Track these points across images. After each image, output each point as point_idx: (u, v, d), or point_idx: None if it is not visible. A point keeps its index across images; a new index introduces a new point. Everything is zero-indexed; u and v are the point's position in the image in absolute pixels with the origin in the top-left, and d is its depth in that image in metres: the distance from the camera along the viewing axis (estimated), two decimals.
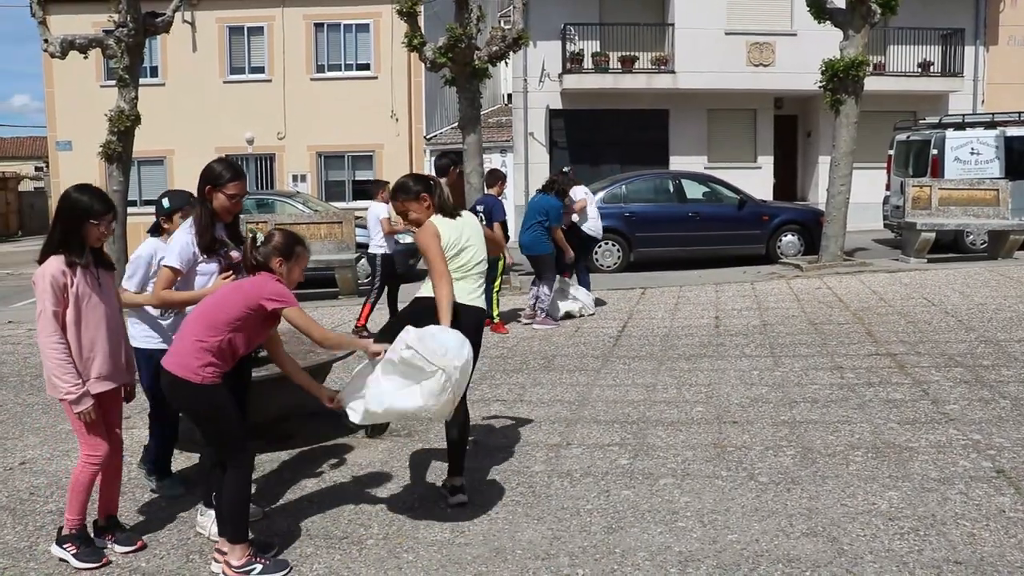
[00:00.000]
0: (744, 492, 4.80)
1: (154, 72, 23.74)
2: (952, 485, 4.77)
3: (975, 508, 4.45)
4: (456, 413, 4.61)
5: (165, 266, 4.42)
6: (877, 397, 6.56)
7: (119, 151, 13.68)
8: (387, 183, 11.13)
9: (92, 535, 4.29)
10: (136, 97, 13.83)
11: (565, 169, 11.96)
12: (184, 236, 4.37)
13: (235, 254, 4.49)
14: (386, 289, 10.12)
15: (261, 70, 24.57)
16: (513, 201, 22.86)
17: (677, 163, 22.79)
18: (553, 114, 23.47)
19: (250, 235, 4.30)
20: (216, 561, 4.09)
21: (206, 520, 4.45)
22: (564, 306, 10.46)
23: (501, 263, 9.93)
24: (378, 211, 10.24)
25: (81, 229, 4.06)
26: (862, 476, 4.97)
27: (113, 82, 14.58)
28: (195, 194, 4.54)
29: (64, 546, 4.18)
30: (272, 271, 4.13)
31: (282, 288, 4.09)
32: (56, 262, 4.03)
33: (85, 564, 4.12)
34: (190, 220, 4.41)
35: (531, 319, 10.26)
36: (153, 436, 5.23)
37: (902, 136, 17.85)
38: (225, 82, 24.48)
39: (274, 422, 6.03)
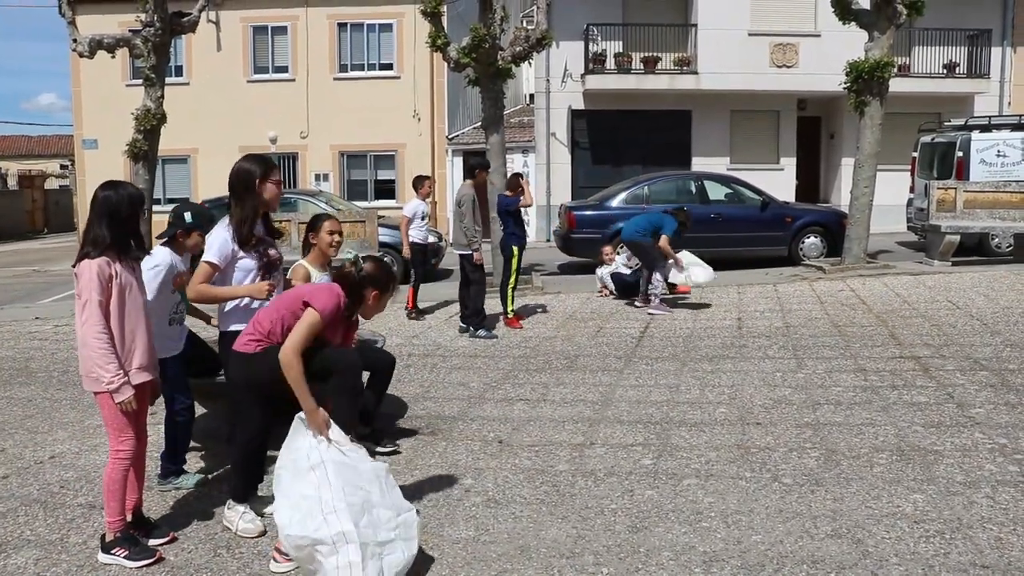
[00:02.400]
0: (768, 493, 4.80)
1: (179, 71, 23.93)
2: (978, 489, 4.75)
3: (1002, 512, 4.43)
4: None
5: (204, 261, 4.45)
6: (901, 400, 6.53)
7: (145, 150, 13.80)
8: (428, 177, 11.81)
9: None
10: (162, 96, 13.95)
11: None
12: (223, 232, 4.41)
13: (273, 251, 4.54)
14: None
15: (285, 69, 24.70)
16: (535, 200, 22.91)
17: (699, 164, 22.71)
18: (575, 114, 23.45)
19: (350, 262, 4.33)
20: (276, 560, 4.12)
21: (234, 515, 4.50)
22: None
23: (515, 260, 10.04)
24: (410, 207, 11.12)
25: (133, 223, 4.16)
26: (887, 479, 4.95)
27: (139, 81, 14.71)
28: (230, 196, 4.57)
29: (113, 552, 4.19)
30: (360, 292, 4.25)
31: (331, 300, 4.15)
32: (102, 255, 4.10)
33: (140, 563, 4.14)
34: (226, 218, 4.45)
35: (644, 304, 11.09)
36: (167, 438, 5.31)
37: (927, 138, 17.72)
38: (249, 81, 24.64)
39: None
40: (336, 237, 5.71)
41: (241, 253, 4.45)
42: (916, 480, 4.92)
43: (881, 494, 4.73)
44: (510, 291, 10.19)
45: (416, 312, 10.99)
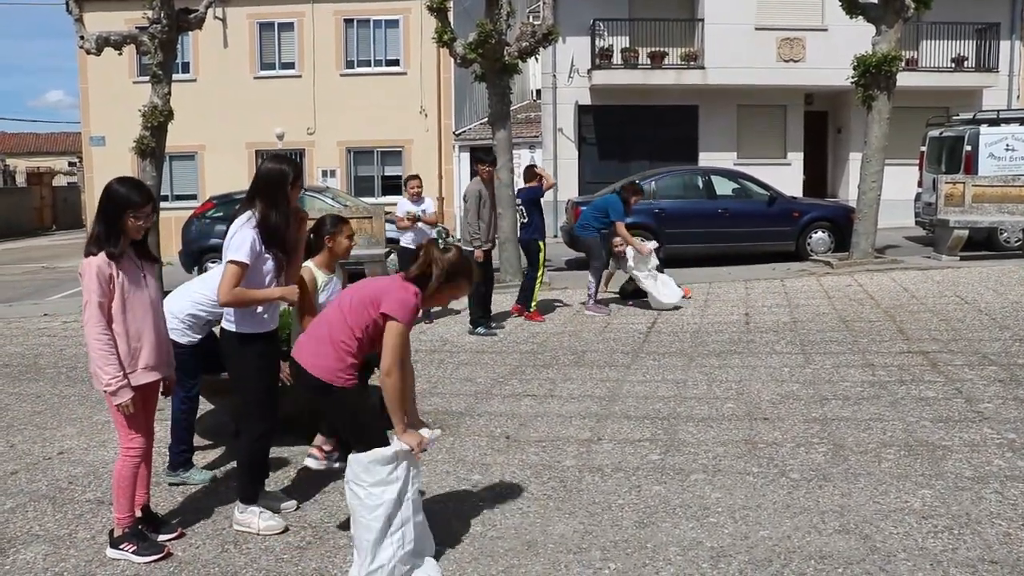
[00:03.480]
0: (776, 488, 4.79)
1: (186, 68, 23.94)
2: (987, 484, 4.74)
3: (1011, 508, 4.41)
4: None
5: (234, 262, 4.28)
6: (909, 395, 6.51)
7: (152, 146, 13.79)
8: (415, 177, 11.25)
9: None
10: (169, 93, 13.94)
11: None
12: (249, 232, 4.32)
13: (279, 253, 4.53)
14: None
15: (291, 66, 24.72)
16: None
17: (706, 159, 22.65)
18: (582, 110, 23.40)
19: (441, 235, 4.28)
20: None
21: (250, 517, 4.49)
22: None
23: (541, 254, 10.12)
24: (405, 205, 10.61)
25: (120, 220, 4.12)
26: (895, 474, 4.94)
27: (146, 78, 14.69)
28: (258, 195, 4.45)
29: (121, 547, 4.20)
30: (427, 281, 4.08)
31: (406, 299, 4.00)
32: (103, 253, 4.10)
33: (148, 558, 4.15)
34: (248, 214, 4.40)
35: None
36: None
37: (935, 132, 17.65)
38: (255, 78, 24.66)
39: (305, 415, 6.06)
40: (356, 240, 5.69)
41: (266, 253, 4.40)
42: (924, 475, 4.91)
43: (889, 489, 4.72)
44: (537, 285, 10.28)
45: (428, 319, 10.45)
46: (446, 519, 4.55)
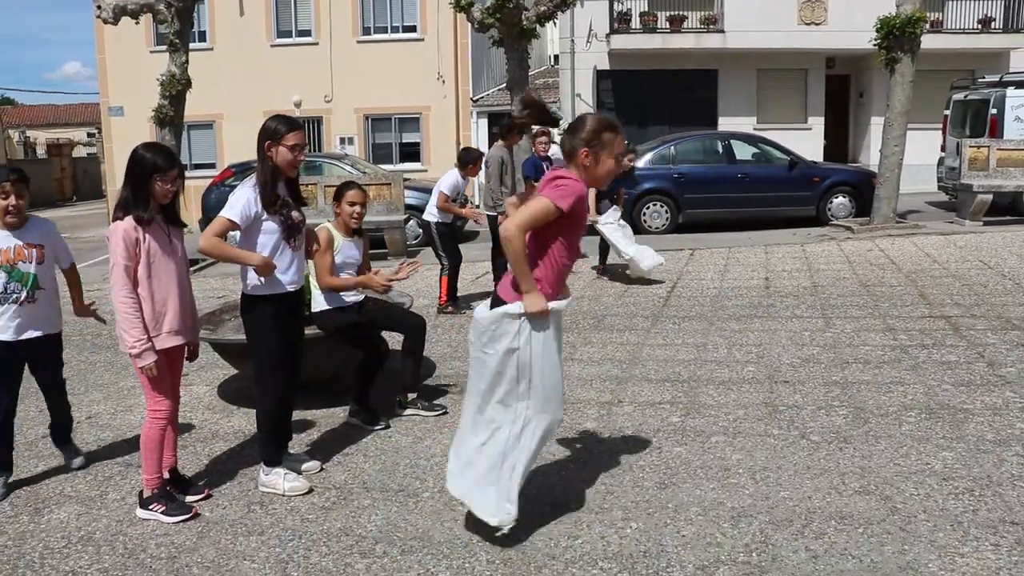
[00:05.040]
0: (796, 451, 4.81)
1: (202, 37, 23.92)
2: (1008, 447, 4.73)
3: None
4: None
5: (224, 216, 4.29)
6: (931, 359, 6.50)
7: (171, 115, 13.85)
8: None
9: None
10: (187, 61, 13.97)
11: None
12: (247, 192, 4.35)
13: (296, 214, 4.53)
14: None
15: (308, 33, 24.63)
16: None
17: (726, 124, 22.49)
18: (600, 75, 23.24)
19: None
20: None
21: (275, 479, 4.55)
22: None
23: None
24: (448, 180, 9.18)
25: (147, 185, 4.15)
26: (915, 436, 4.95)
27: (163, 47, 14.72)
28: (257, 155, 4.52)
29: (150, 507, 4.28)
30: (575, 164, 3.84)
31: (567, 183, 3.74)
32: (129, 218, 4.14)
33: (177, 518, 4.23)
34: (253, 177, 4.42)
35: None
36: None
37: (959, 95, 17.43)
38: (272, 45, 24.60)
39: (329, 379, 6.14)
40: (358, 208, 5.58)
41: (265, 215, 4.38)
42: (945, 438, 4.91)
43: (910, 452, 4.73)
44: None
45: (454, 304, 9.21)
46: None
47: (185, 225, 4.57)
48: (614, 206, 10.36)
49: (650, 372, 6.48)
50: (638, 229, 14.86)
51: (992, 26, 22.67)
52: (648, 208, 15.19)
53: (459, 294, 9.28)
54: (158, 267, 4.21)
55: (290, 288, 4.52)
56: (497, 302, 3.87)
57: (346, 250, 5.57)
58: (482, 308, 3.94)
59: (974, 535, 3.77)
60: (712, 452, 4.84)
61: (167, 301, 4.25)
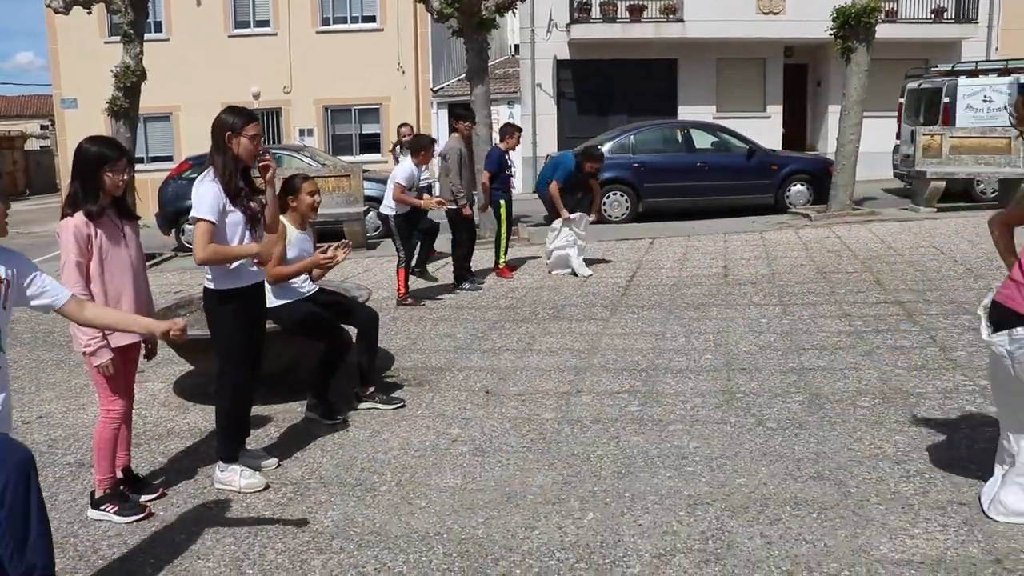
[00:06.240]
0: (752, 437, 4.86)
1: (158, 27, 23.55)
2: (958, 430, 4.82)
3: (980, 452, 4.48)
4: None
5: (201, 219, 4.21)
6: (885, 344, 6.58)
7: (125, 107, 13.61)
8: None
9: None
10: (141, 52, 13.74)
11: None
12: (211, 186, 4.28)
13: (255, 204, 4.47)
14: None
15: (266, 24, 24.35)
16: (521, 153, 22.77)
17: (686, 113, 22.59)
18: (561, 65, 23.24)
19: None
20: None
21: (231, 475, 4.51)
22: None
23: (503, 210, 10.02)
24: (403, 170, 8.89)
25: (96, 178, 4.07)
26: (869, 421, 5.01)
27: (117, 38, 14.47)
28: (211, 147, 4.44)
29: (103, 508, 4.22)
30: None
31: None
32: (79, 213, 4.06)
33: (129, 518, 4.17)
34: (211, 170, 4.35)
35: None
36: None
37: (913, 84, 17.64)
38: (230, 36, 24.29)
39: (284, 373, 6.08)
40: (317, 198, 5.60)
41: (230, 207, 4.34)
42: (898, 422, 4.98)
43: (864, 436, 4.79)
44: (503, 241, 10.21)
45: (410, 300, 8.94)
46: (425, 472, 4.59)
47: (138, 217, 4.49)
48: (585, 216, 10.25)
49: (609, 361, 6.50)
50: (598, 219, 14.86)
51: (945, 16, 22.98)
52: (608, 197, 15.19)
53: (411, 288, 9.14)
54: (111, 262, 4.14)
55: (253, 281, 4.48)
56: (1007, 315, 3.75)
57: (300, 243, 5.53)
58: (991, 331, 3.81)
59: (924, 517, 3.83)
60: (669, 440, 4.87)
61: (121, 297, 4.18)
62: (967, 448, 4.55)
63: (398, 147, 10.03)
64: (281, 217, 5.54)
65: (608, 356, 6.65)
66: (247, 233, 4.39)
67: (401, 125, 10.76)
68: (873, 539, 3.66)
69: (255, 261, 4.39)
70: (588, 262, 10.40)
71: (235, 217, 4.33)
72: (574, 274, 10.08)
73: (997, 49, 23.26)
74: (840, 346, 6.59)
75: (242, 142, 4.31)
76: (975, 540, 3.61)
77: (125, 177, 4.16)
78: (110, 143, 4.19)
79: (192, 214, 4.27)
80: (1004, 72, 16.36)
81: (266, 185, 4.54)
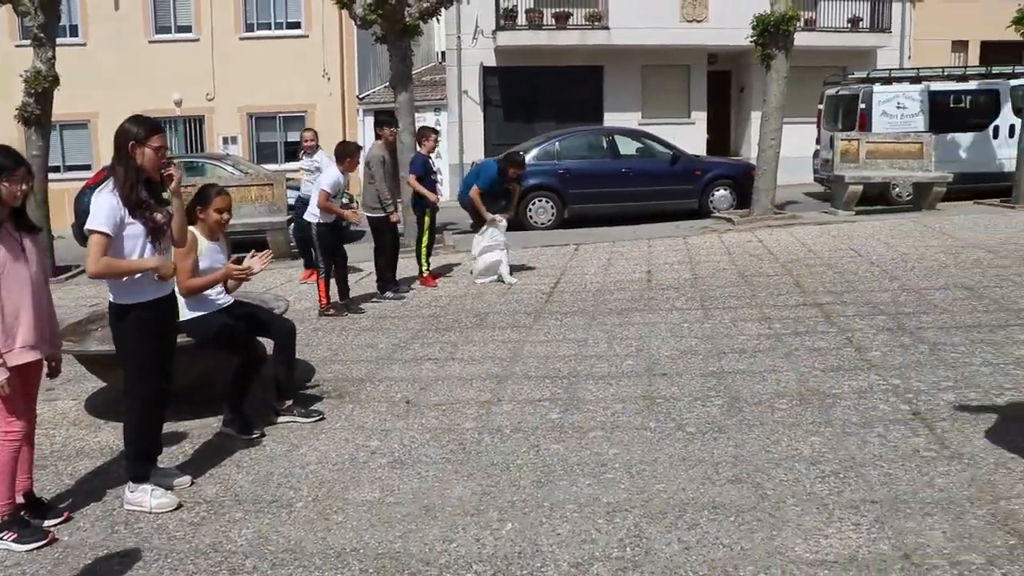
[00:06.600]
0: (672, 442, 4.87)
1: (74, 31, 22.89)
2: (872, 428, 4.90)
3: (892, 450, 4.58)
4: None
5: (95, 231, 4.08)
6: (803, 346, 6.69)
7: (37, 114, 13.18)
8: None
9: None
10: (53, 57, 13.31)
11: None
12: (109, 198, 4.14)
13: (159, 216, 4.33)
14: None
15: (188, 29, 23.84)
16: (448, 159, 22.73)
17: (611, 119, 22.76)
18: (487, 71, 23.24)
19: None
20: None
21: (141, 496, 4.36)
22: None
23: (426, 218, 9.96)
24: (328, 177, 8.68)
25: None
26: (786, 423, 5.07)
27: (28, 41, 14.02)
28: (113, 157, 4.30)
29: (1, 536, 4.01)
30: None
31: None
32: None
33: (30, 545, 3.98)
34: (110, 181, 4.21)
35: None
36: None
37: (832, 91, 18.08)
38: (151, 42, 23.72)
39: (200, 387, 5.93)
40: (225, 215, 5.38)
41: (129, 219, 4.20)
42: (814, 423, 5.05)
43: (781, 438, 4.84)
44: (424, 249, 10.11)
45: (332, 311, 8.71)
46: (343, 487, 4.51)
47: (40, 229, 4.31)
48: (503, 221, 10.22)
49: (531, 369, 6.48)
50: (524, 225, 14.92)
51: (860, 25, 23.62)
52: (534, 204, 15.24)
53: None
54: (9, 277, 3.96)
55: (159, 294, 4.35)
56: None
57: (211, 254, 5.37)
58: None
59: (838, 516, 3.88)
60: (589, 448, 4.86)
61: (20, 313, 4.00)
62: (880, 446, 4.64)
63: (302, 154, 9.86)
64: (191, 227, 5.39)
65: (530, 364, 6.63)
66: (149, 246, 4.25)
67: (304, 130, 10.55)
68: (788, 540, 3.70)
69: (156, 275, 4.25)
70: (513, 269, 10.39)
71: (135, 229, 4.19)
72: (500, 281, 10.06)
73: (910, 58, 23.99)
74: (760, 349, 6.67)
75: (146, 152, 4.19)
76: (886, 537, 3.67)
77: (24, 187, 4.00)
78: (7, 152, 4.01)
79: (87, 226, 4.12)
80: (916, 80, 16.90)
81: (172, 196, 4.41)
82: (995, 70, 17.28)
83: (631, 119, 22.43)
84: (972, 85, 17.08)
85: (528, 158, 15.17)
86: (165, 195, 4.41)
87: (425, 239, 10.08)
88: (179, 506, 4.37)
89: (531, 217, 15.21)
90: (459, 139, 23.00)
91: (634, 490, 4.28)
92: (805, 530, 3.78)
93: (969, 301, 7.81)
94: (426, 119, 21.72)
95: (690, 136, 21.96)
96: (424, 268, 10.18)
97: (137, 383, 4.34)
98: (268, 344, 5.63)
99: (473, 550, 3.77)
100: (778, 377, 5.94)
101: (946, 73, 17.32)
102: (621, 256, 11.66)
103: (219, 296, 5.43)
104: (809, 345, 6.70)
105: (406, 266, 10.50)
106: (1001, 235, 11.56)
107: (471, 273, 10.39)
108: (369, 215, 9.64)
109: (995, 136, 16.73)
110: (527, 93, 23.22)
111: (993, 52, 22.55)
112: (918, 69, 17.66)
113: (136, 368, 4.32)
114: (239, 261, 5.35)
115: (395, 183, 10.00)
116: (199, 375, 5.81)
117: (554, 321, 8.03)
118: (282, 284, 10.55)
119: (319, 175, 9.72)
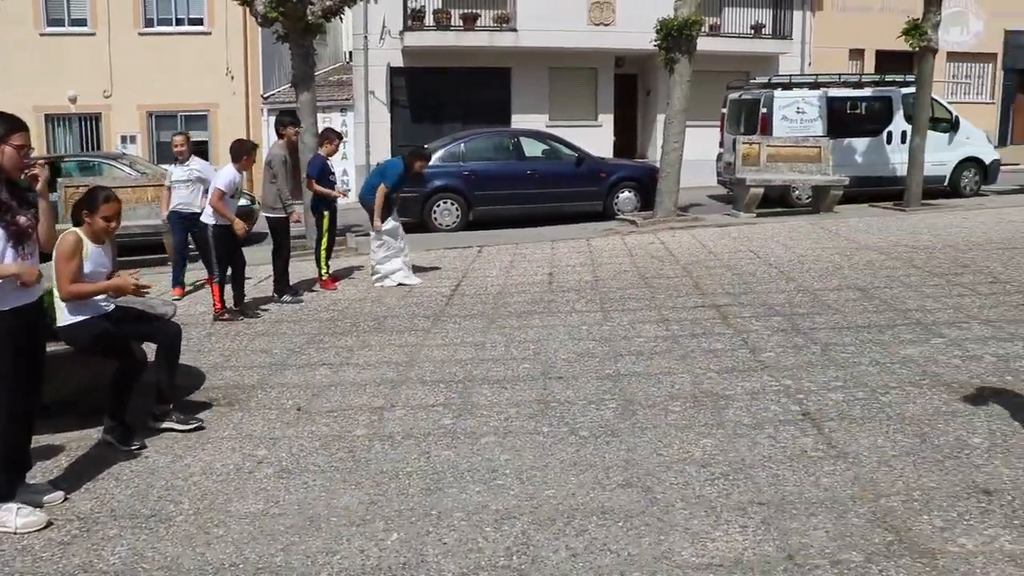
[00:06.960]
0: (564, 447, 4.84)
1: None
2: (762, 430, 4.95)
3: (781, 451, 4.63)
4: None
5: None
6: (699, 348, 6.75)
7: None
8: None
9: None
10: None
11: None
12: None
13: (23, 219, 4.10)
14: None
15: (83, 23, 22.99)
16: (354, 160, 22.45)
17: (519, 121, 22.80)
18: (394, 72, 23.04)
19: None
20: None
21: (7, 515, 4.09)
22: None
23: (325, 220, 9.79)
24: (223, 176, 8.47)
25: None
26: (679, 425, 5.09)
27: None
28: None
29: None
30: None
31: None
32: None
33: None
34: None
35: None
36: None
37: (735, 95, 18.42)
38: (42, 35, 22.78)
39: (79, 396, 5.66)
40: (113, 224, 5.09)
41: None
42: (707, 425, 5.08)
43: (673, 441, 4.85)
44: (323, 252, 9.91)
45: (227, 315, 8.48)
46: (226, 499, 4.34)
47: None
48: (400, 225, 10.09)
49: (426, 374, 6.38)
50: (428, 227, 14.79)
51: (763, 32, 24.20)
52: (438, 206, 15.12)
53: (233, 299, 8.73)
54: None
55: (23, 301, 4.11)
56: None
57: (96, 258, 5.10)
58: None
59: (725, 519, 3.90)
60: (481, 454, 4.79)
61: None
62: (770, 447, 4.68)
63: (175, 162, 9.50)
64: (76, 229, 5.11)
65: (426, 368, 6.53)
66: (10, 250, 4.02)
67: (175, 134, 10.17)
68: (676, 544, 3.69)
69: (19, 282, 4.03)
70: (416, 269, 10.27)
71: None
72: (402, 284, 9.93)
73: (810, 64, 24.67)
74: (656, 351, 6.71)
75: (6, 151, 3.96)
76: (771, 539, 3.70)
77: None
78: None
79: None
80: (815, 86, 17.35)
81: (40, 197, 4.18)
82: (888, 78, 17.88)
83: (539, 121, 22.51)
84: (867, 92, 17.63)
85: (433, 160, 15.06)
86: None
87: (324, 241, 9.90)
88: (48, 524, 4.14)
89: (435, 219, 15.09)
90: (366, 140, 22.73)
91: (523, 496, 4.22)
92: (693, 533, 3.78)
93: (860, 302, 8.01)
94: (332, 119, 21.42)
95: (597, 139, 22.14)
96: (324, 271, 9.98)
97: (2, 396, 4.10)
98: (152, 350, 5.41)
99: (357, 562, 3.67)
100: (673, 379, 5.97)
101: (843, 80, 17.85)
102: (524, 258, 11.65)
103: (103, 300, 5.18)
104: (705, 347, 6.76)
105: (306, 269, 10.28)
106: (893, 237, 11.93)
107: (371, 277, 10.22)
108: (269, 215, 9.41)
109: (888, 141, 17.30)
110: (434, 94, 23.10)
111: (887, 61, 23.34)
112: (817, 75, 18.14)
113: (1, 379, 4.08)
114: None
115: (296, 184, 9.79)
116: (84, 384, 5.56)
117: (453, 324, 7.95)
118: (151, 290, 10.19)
119: (197, 184, 9.47)
